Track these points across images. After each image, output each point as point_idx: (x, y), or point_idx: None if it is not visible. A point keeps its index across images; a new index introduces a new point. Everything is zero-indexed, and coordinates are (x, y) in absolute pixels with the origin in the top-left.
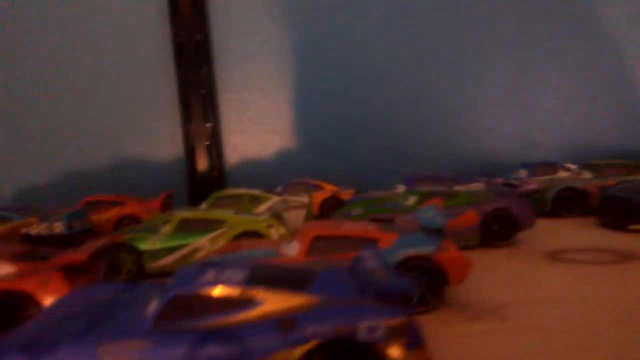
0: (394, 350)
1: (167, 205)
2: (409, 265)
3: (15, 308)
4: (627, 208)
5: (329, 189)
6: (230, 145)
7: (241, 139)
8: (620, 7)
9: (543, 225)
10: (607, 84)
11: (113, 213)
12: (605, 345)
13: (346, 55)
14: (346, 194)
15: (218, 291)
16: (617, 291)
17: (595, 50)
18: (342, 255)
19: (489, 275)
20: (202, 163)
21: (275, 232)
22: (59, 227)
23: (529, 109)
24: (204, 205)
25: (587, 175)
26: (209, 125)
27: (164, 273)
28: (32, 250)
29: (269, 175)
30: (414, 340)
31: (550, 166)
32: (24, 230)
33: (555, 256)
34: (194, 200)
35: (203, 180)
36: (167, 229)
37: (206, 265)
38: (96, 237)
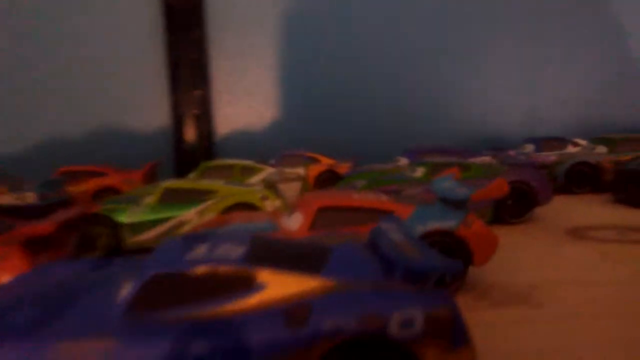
0: (435, 349)
1: (152, 177)
2: (427, 242)
3: None
4: None
5: (325, 161)
6: (221, 115)
7: (233, 109)
8: None
9: (556, 202)
10: (619, 58)
11: (91, 184)
12: None
13: (348, 23)
14: (343, 167)
15: (209, 271)
16: None
17: (608, 22)
18: (352, 229)
19: (511, 254)
20: (190, 133)
21: (271, 205)
22: (31, 197)
23: (536, 83)
24: (192, 175)
25: (602, 149)
26: (198, 92)
27: (146, 249)
28: None
29: (262, 147)
30: (459, 336)
31: (559, 141)
32: None
33: (578, 234)
34: (181, 172)
35: (191, 152)
36: (150, 199)
37: (194, 238)
38: (69, 207)
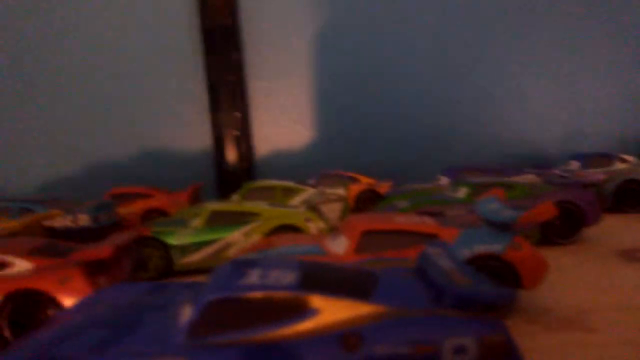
0: None
1: (196, 198)
2: (474, 266)
3: (32, 309)
4: None
5: (365, 181)
6: (260, 136)
7: (271, 129)
8: None
9: (605, 221)
10: None
11: (140, 206)
12: None
13: (383, 42)
14: (383, 187)
15: (264, 296)
16: None
17: None
18: (397, 253)
19: (561, 276)
20: (231, 154)
21: (314, 226)
22: (84, 219)
23: (577, 97)
24: (235, 197)
25: None
26: (237, 114)
27: (195, 270)
28: (51, 244)
29: (301, 167)
30: None
31: (605, 157)
32: (47, 223)
33: (630, 256)
34: (223, 193)
35: (232, 173)
36: (197, 222)
37: (245, 264)
38: (122, 230)
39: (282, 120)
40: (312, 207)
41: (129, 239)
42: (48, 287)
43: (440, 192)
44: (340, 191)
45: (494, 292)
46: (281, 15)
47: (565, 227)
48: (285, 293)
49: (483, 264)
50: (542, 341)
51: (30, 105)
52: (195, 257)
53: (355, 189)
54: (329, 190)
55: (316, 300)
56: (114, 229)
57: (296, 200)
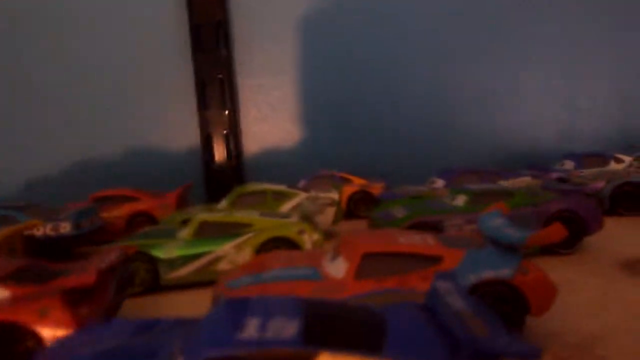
0: None
1: (184, 200)
2: (480, 292)
3: (9, 342)
4: None
5: (357, 182)
6: (250, 134)
7: (261, 127)
8: None
9: (604, 226)
10: None
11: (125, 210)
12: None
13: (378, 40)
14: (376, 188)
15: (264, 355)
16: None
17: None
18: (399, 279)
19: (567, 296)
20: (219, 153)
21: (308, 239)
22: (66, 227)
23: (572, 95)
24: (224, 202)
25: None
26: (226, 112)
27: (183, 285)
28: (30, 267)
29: (291, 166)
30: None
31: (600, 157)
32: (27, 232)
33: (635, 268)
34: (211, 192)
35: (220, 171)
36: (185, 233)
37: (241, 308)
38: (106, 247)
39: (272, 117)
40: (306, 218)
41: (114, 261)
42: (26, 319)
43: (438, 199)
44: (333, 194)
45: (514, 348)
46: (271, 12)
47: (567, 237)
48: (289, 350)
49: (490, 290)
50: None
51: (15, 105)
52: (183, 272)
53: (347, 190)
54: (322, 194)
55: (324, 359)
56: (98, 234)
57: (288, 205)
